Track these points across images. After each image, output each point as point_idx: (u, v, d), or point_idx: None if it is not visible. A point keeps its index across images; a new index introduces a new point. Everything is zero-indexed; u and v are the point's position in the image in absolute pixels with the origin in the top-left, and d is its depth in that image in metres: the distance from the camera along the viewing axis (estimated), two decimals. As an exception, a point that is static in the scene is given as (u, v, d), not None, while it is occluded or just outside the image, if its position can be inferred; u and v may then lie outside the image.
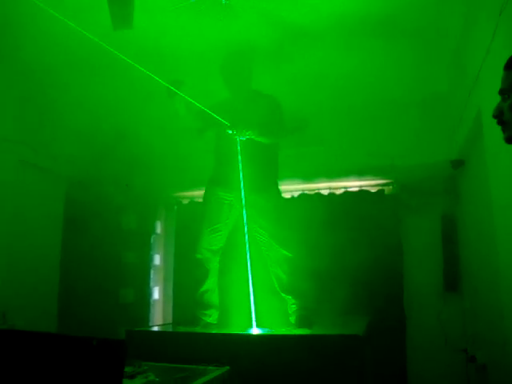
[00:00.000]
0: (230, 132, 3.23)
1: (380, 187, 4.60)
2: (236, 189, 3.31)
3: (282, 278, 3.31)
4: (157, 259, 5.27)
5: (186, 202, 5.18)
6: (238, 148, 3.29)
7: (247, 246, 3.31)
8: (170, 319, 4.95)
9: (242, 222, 3.36)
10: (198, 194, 5.08)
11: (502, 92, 1.51)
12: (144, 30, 3.21)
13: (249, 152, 3.30)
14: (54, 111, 4.27)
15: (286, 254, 3.29)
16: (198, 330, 3.24)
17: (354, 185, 4.65)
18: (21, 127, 3.94)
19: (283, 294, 3.34)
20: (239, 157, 3.28)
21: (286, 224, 3.37)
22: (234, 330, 3.27)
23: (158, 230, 5.33)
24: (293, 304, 3.31)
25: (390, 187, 4.60)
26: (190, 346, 2.85)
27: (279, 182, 3.55)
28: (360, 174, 4.55)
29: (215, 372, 2.13)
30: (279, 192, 3.54)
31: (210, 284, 3.42)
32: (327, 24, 3.31)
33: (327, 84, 4.09)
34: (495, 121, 1.49)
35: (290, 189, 4.75)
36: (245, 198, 3.32)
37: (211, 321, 3.38)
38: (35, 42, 3.50)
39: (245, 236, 3.33)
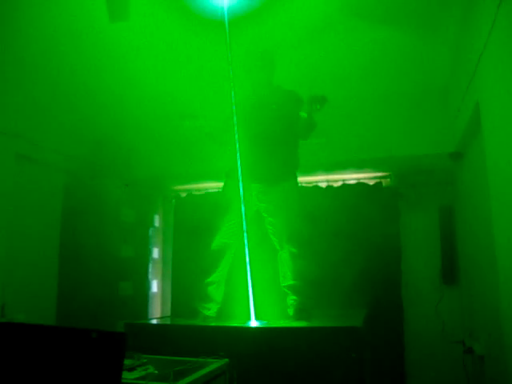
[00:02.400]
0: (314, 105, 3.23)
1: (378, 180, 4.61)
2: (253, 181, 3.32)
3: (287, 274, 3.32)
4: (155, 252, 5.28)
5: (184, 195, 5.18)
6: (255, 140, 3.29)
7: (245, 239, 3.31)
8: (168, 312, 4.96)
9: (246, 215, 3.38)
10: (196, 187, 5.12)
11: None
12: (142, 23, 3.18)
13: (265, 145, 3.31)
14: (51, 104, 4.25)
15: (291, 249, 3.29)
16: (197, 322, 3.25)
17: (351, 177, 4.66)
18: (17, 120, 3.91)
19: (284, 288, 3.35)
20: (256, 149, 3.29)
21: (300, 218, 3.37)
22: (233, 322, 3.28)
23: (157, 223, 5.33)
24: (292, 298, 3.31)
25: (388, 180, 4.61)
26: (189, 339, 2.85)
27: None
28: (358, 166, 4.55)
29: (214, 364, 2.14)
30: (296, 184, 3.53)
31: (217, 277, 3.41)
32: (326, 15, 3.29)
33: (324, 76, 4.08)
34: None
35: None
36: (261, 189, 3.35)
37: (210, 314, 3.39)
38: (32, 35, 3.48)
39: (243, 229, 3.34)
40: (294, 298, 3.29)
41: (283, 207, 3.34)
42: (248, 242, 3.28)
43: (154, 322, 3.90)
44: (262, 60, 3.43)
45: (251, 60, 3.45)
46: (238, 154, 3.36)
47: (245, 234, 3.30)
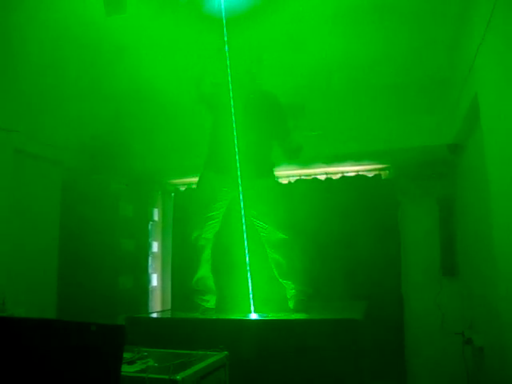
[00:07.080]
0: None
1: (377, 172, 4.60)
2: (232, 175, 3.31)
3: (281, 262, 3.32)
4: (155, 246, 5.29)
5: (183, 188, 5.17)
6: (235, 133, 3.28)
7: (245, 232, 3.32)
8: (168, 305, 4.98)
9: (238, 208, 3.37)
10: (195, 180, 5.10)
11: None
12: (137, 16, 3.16)
13: (245, 138, 3.30)
14: (48, 98, 4.23)
15: (282, 237, 3.30)
16: (197, 315, 3.26)
17: (350, 170, 4.65)
18: (15, 115, 3.90)
19: (282, 280, 3.35)
20: (236, 142, 3.27)
21: (282, 207, 3.39)
22: (233, 315, 3.29)
23: (156, 217, 5.33)
24: (291, 289, 3.32)
25: (387, 172, 4.60)
26: (189, 332, 2.86)
27: (276, 168, 3.56)
28: (357, 158, 4.54)
29: (214, 357, 2.14)
30: (275, 176, 3.57)
31: (204, 271, 3.44)
32: (324, 8, 3.28)
33: (324, 69, 4.06)
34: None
35: (287, 174, 4.75)
36: (242, 183, 3.33)
37: (210, 306, 3.40)
38: (28, 29, 3.46)
39: (242, 221, 3.33)
40: (293, 286, 3.30)
41: (266, 200, 3.36)
42: (239, 234, 3.31)
43: (155, 315, 3.92)
44: (253, 68, 3.44)
45: (242, 68, 3.43)
46: (216, 146, 3.38)
47: (244, 227, 3.31)
